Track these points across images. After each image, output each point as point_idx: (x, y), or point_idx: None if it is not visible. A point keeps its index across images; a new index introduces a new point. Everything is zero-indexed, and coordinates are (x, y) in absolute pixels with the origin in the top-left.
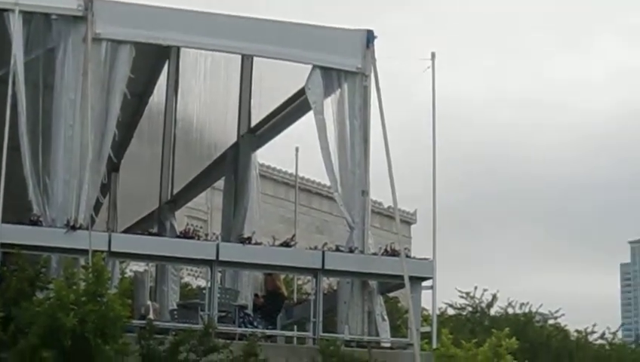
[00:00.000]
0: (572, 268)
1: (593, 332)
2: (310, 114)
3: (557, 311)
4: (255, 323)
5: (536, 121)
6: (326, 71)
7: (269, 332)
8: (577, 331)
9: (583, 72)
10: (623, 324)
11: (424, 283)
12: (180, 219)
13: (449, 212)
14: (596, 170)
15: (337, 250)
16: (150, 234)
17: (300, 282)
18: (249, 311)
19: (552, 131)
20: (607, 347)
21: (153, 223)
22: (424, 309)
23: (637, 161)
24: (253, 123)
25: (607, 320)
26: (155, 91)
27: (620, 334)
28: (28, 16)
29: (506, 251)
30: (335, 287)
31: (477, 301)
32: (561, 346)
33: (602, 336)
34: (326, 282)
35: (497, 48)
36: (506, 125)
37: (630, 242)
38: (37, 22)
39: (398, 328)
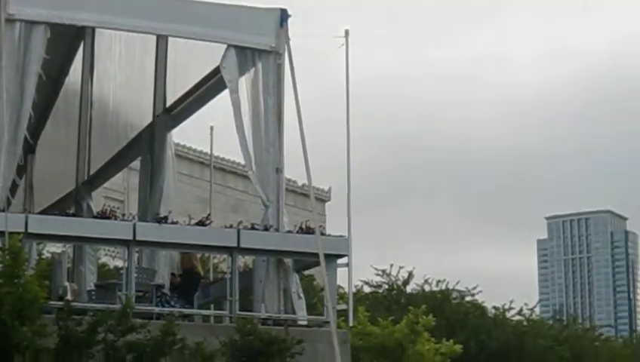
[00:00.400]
0: (489, 244)
1: (511, 308)
2: (225, 93)
3: (474, 288)
4: (172, 303)
5: (453, 96)
6: (240, 50)
7: (186, 311)
8: (495, 307)
9: (499, 46)
10: (540, 300)
11: (339, 261)
12: (97, 200)
13: (365, 189)
14: (515, 147)
15: (253, 228)
16: (67, 215)
17: (216, 261)
18: (166, 290)
19: (470, 106)
20: (524, 323)
21: (70, 204)
22: (340, 287)
23: (557, 137)
24: (169, 103)
25: (524, 296)
26: (71, 72)
27: (537, 310)
28: None
29: (422, 228)
30: (251, 266)
31: (393, 278)
32: (479, 323)
33: (520, 312)
34: (242, 261)
35: (412, 24)
36: (422, 100)
37: (547, 218)
38: None
39: (314, 306)
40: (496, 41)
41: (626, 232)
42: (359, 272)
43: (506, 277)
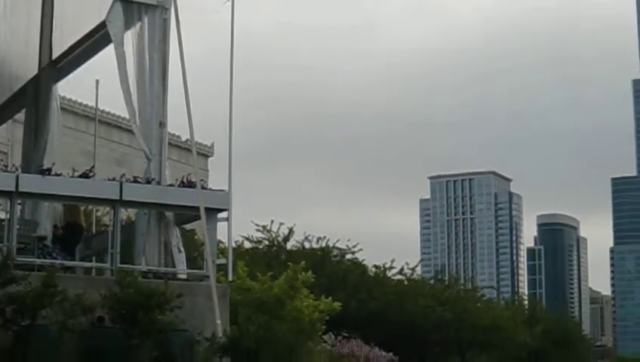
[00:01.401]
0: (372, 203)
1: (392, 267)
2: (111, 47)
3: (355, 246)
4: (54, 255)
5: (338, 53)
6: (127, 4)
7: (67, 263)
8: (375, 266)
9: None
10: (422, 260)
11: (220, 215)
12: None
13: (248, 146)
14: (398, 107)
15: (135, 181)
16: None
17: (99, 213)
18: (48, 242)
19: (356, 59)
20: (405, 283)
21: None
22: (220, 242)
23: (441, 100)
24: (55, 55)
25: (406, 255)
26: None
27: (419, 270)
28: None
29: (304, 186)
30: (134, 219)
31: (274, 234)
32: (359, 281)
33: (401, 272)
34: (125, 214)
35: None
36: (307, 55)
37: (430, 178)
38: None
39: (194, 260)
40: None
41: (510, 194)
42: (241, 228)
43: (388, 236)
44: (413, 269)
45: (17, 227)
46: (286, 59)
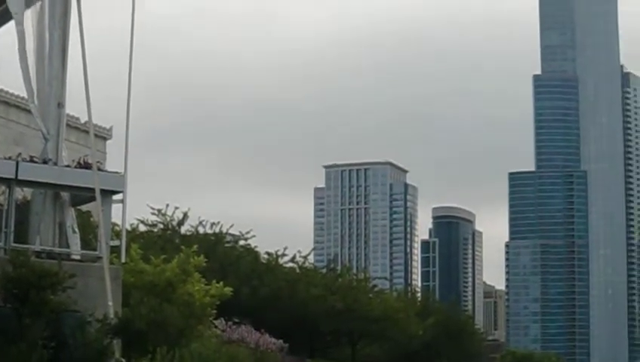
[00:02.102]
0: (266, 191)
1: (284, 255)
2: (11, 24)
3: (248, 233)
4: None
5: (244, 40)
6: None
7: None
8: (268, 253)
9: None
10: (314, 248)
11: (115, 197)
12: None
13: (148, 130)
14: (294, 95)
15: (31, 161)
16: None
17: None
18: None
19: (254, 47)
20: (297, 270)
21: None
22: (115, 224)
23: (339, 89)
24: None
25: (299, 243)
26: None
27: (311, 258)
28: None
29: (200, 172)
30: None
31: (168, 218)
32: (251, 267)
33: (293, 260)
34: (21, 193)
35: None
36: (212, 39)
37: (325, 167)
38: None
39: (89, 241)
40: None
41: (406, 185)
42: (136, 211)
43: (281, 224)
44: (305, 258)
45: None
46: (189, 44)
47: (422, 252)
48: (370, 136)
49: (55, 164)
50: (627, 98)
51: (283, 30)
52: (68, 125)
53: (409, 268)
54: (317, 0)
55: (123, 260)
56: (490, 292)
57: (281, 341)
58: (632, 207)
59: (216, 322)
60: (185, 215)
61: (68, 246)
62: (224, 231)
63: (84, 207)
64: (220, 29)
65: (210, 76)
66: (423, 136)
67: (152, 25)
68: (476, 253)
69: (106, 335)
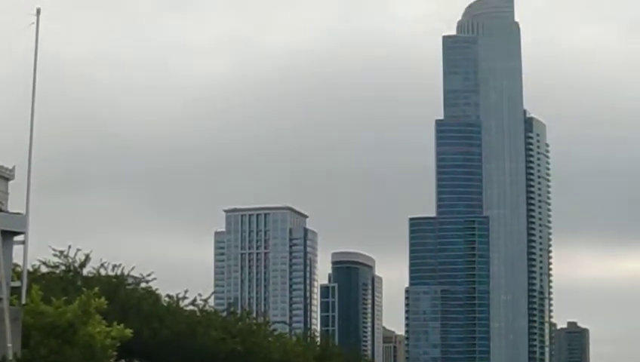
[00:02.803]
0: (167, 233)
1: (185, 297)
2: None
3: (149, 275)
4: None
5: (136, 82)
6: None
7: None
8: (169, 296)
9: (187, 35)
10: (215, 292)
11: (16, 238)
12: None
13: (51, 173)
14: (198, 136)
15: None
16: None
17: None
18: None
19: (153, 93)
20: (198, 313)
21: None
22: (16, 265)
23: (245, 126)
24: None
25: (200, 286)
26: None
27: (211, 301)
28: None
29: (103, 213)
30: None
31: (70, 260)
32: (152, 310)
33: (194, 303)
34: None
35: (105, 7)
36: (108, 84)
37: (225, 211)
38: None
39: None
40: (184, 30)
41: (305, 230)
42: (38, 252)
43: (182, 266)
44: (205, 301)
45: None
46: (92, 90)
47: (321, 296)
48: (271, 181)
49: None
50: (530, 143)
51: (186, 77)
52: None
53: (308, 312)
54: (218, 50)
55: (23, 301)
56: (389, 337)
57: None
58: (534, 253)
59: None
60: (87, 257)
61: None
62: (125, 273)
63: None
64: (122, 74)
65: (113, 122)
66: (323, 180)
67: (60, 69)
68: (376, 298)
69: None
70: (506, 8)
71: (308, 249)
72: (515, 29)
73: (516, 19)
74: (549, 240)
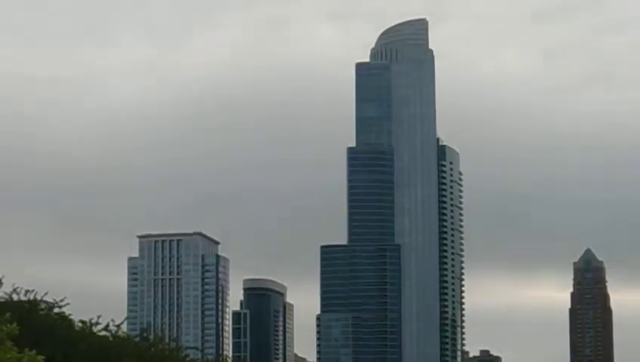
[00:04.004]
0: (83, 258)
1: (98, 323)
2: None
3: (62, 300)
4: None
5: (55, 104)
6: None
7: None
8: (82, 321)
9: (101, 58)
10: (128, 317)
11: None
12: None
13: None
14: (110, 163)
15: None
16: None
17: None
18: None
19: (65, 113)
20: (110, 339)
21: None
22: None
23: (147, 157)
24: None
25: (113, 312)
26: None
27: (124, 327)
28: None
29: (14, 238)
30: None
31: None
32: (65, 335)
33: (106, 328)
34: None
35: (23, 32)
36: (19, 102)
37: (139, 237)
38: None
39: None
40: (98, 53)
41: (217, 256)
42: None
43: (96, 292)
44: (118, 326)
45: None
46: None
47: (233, 323)
48: (184, 207)
49: None
50: (443, 171)
51: (96, 99)
52: None
53: (220, 338)
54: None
55: None
56: None
57: None
58: (446, 281)
59: None
60: None
61: None
62: (38, 298)
63: None
64: (29, 93)
65: (23, 141)
66: (235, 207)
67: None
68: (287, 324)
69: None
70: (421, 36)
71: (220, 275)
72: (429, 56)
73: (430, 46)
74: (462, 268)
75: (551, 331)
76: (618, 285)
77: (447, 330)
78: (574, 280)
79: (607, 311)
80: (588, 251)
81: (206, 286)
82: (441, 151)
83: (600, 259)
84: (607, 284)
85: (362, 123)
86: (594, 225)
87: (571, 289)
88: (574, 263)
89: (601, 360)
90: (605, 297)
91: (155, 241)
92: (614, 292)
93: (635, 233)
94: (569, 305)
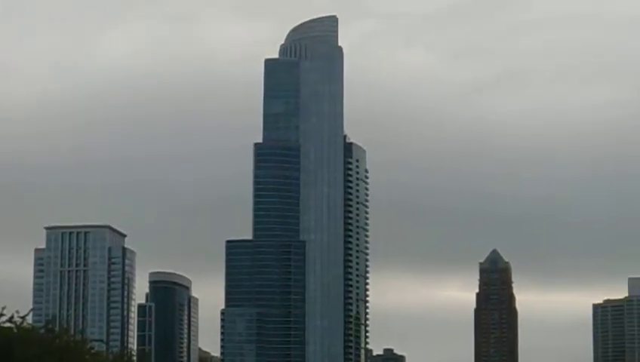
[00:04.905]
0: None
1: (2, 314)
2: None
3: None
4: None
5: None
6: None
7: None
8: None
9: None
10: (33, 309)
11: None
12: None
13: None
14: (15, 154)
15: None
16: None
17: None
18: None
19: None
20: (14, 330)
21: None
22: None
23: (54, 147)
24: None
25: (18, 303)
26: None
27: (29, 319)
28: None
29: None
30: None
31: None
32: None
33: (11, 319)
34: None
35: None
36: None
37: (46, 228)
38: None
39: None
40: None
41: (124, 249)
42: None
43: (1, 283)
44: (23, 318)
45: None
46: None
47: (138, 316)
48: (91, 198)
49: None
50: (349, 168)
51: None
52: None
53: (126, 331)
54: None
55: None
56: (205, 359)
57: None
58: (351, 279)
59: None
60: None
61: None
62: None
63: None
64: None
65: None
66: (142, 200)
67: None
68: (192, 318)
69: None
70: (330, 32)
71: (126, 268)
72: (338, 53)
73: (340, 43)
74: (366, 266)
75: (456, 331)
76: (524, 286)
77: (350, 328)
78: (480, 280)
79: (513, 312)
80: (494, 252)
81: (112, 279)
82: (348, 148)
83: (506, 260)
84: (513, 285)
85: (270, 119)
86: (501, 226)
87: (477, 290)
88: (480, 263)
89: (506, 360)
90: (511, 298)
91: (63, 233)
92: (520, 293)
93: (541, 235)
94: (474, 306)
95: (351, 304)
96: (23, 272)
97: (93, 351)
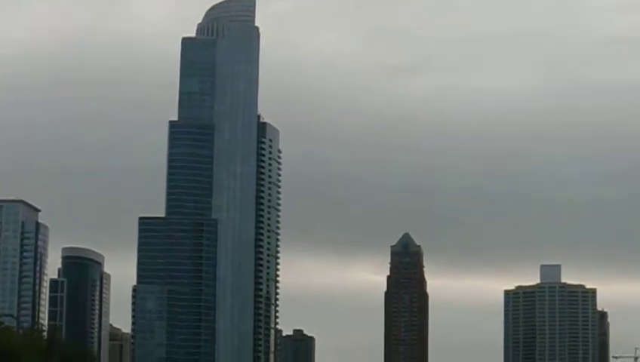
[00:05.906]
0: None
1: None
2: None
3: None
4: None
5: None
6: None
7: None
8: None
9: None
10: None
11: None
12: None
13: None
14: None
15: None
16: None
17: None
18: None
19: None
20: None
21: None
22: None
23: None
24: None
25: None
26: None
27: None
28: None
29: None
30: None
31: None
32: None
33: None
34: None
35: None
36: None
37: None
38: None
39: None
40: None
41: (38, 224)
42: None
43: None
44: None
45: None
46: None
47: (50, 291)
48: (5, 173)
49: None
50: (262, 148)
51: None
52: None
53: (37, 306)
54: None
55: None
56: (116, 335)
57: None
58: (262, 258)
59: None
60: None
61: None
62: None
63: None
64: None
65: None
66: (56, 176)
67: None
68: (104, 295)
69: None
70: (248, 12)
71: (39, 243)
72: (255, 33)
73: (257, 24)
74: (277, 246)
75: (366, 313)
76: (435, 271)
77: (261, 308)
78: (391, 263)
79: (424, 296)
80: (406, 235)
81: (25, 254)
82: (262, 128)
83: (418, 243)
84: (425, 269)
85: (185, 97)
86: (413, 209)
87: (388, 273)
88: (392, 247)
89: (416, 343)
90: (422, 282)
91: None
92: (431, 277)
93: (452, 220)
94: (385, 289)
95: (261, 284)
96: None
97: (2, 325)
